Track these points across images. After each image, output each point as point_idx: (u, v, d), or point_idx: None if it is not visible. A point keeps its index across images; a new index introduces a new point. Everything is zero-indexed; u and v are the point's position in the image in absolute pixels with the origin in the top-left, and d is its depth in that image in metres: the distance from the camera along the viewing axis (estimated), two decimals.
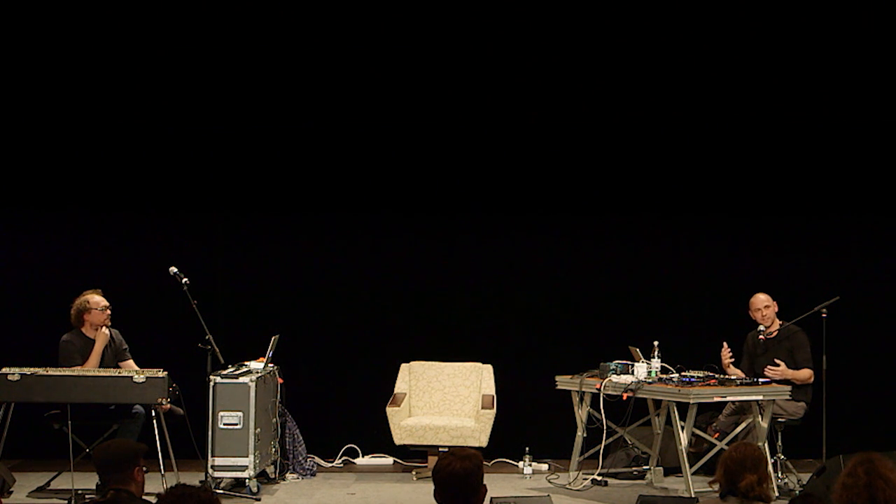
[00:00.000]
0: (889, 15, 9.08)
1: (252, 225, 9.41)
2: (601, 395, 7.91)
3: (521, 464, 8.68)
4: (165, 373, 7.48)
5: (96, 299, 7.86)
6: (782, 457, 7.99)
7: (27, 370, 7.42)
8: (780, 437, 8.05)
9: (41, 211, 9.27)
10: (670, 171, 9.42)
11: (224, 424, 7.64)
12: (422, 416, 8.83)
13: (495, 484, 7.89)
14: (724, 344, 8.22)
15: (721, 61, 9.25)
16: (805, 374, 8.07)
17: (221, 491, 7.67)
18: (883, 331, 9.32)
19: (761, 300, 8.24)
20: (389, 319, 9.39)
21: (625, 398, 7.85)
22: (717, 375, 7.86)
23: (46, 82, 9.10)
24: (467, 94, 9.27)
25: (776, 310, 8.25)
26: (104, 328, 7.84)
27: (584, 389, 8.13)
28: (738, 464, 4.47)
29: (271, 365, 8.21)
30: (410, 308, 9.39)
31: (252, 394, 7.68)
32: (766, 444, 7.66)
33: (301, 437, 8.61)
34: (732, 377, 7.87)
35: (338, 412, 9.25)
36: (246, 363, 8.08)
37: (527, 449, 8.64)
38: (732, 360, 8.23)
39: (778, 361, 8.04)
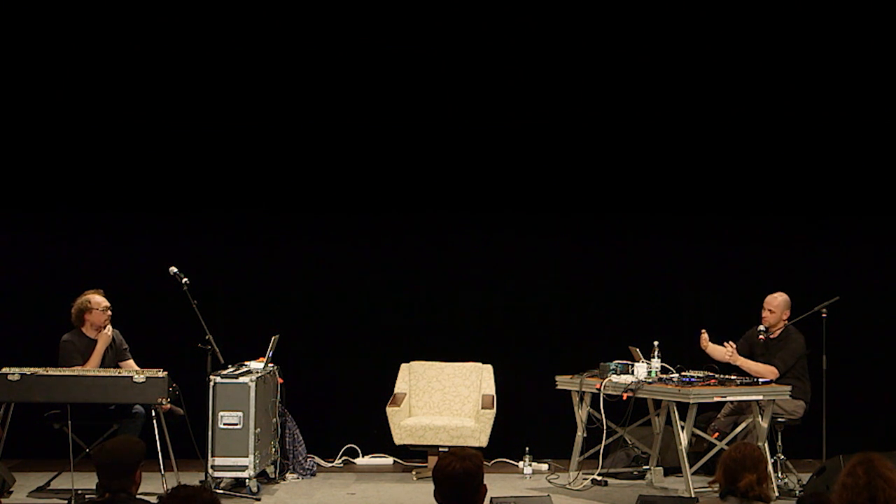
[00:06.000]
0: (890, 15, 9.08)
1: (252, 225, 9.41)
2: (601, 395, 7.91)
3: (521, 464, 8.68)
4: (165, 373, 7.47)
5: (97, 299, 7.85)
6: (782, 457, 7.98)
7: (27, 370, 7.41)
8: (780, 437, 8.04)
9: (41, 211, 9.27)
10: (671, 170, 9.42)
11: (224, 424, 7.64)
12: (422, 416, 8.84)
13: (495, 484, 7.89)
14: (703, 332, 8.16)
15: (723, 61, 9.25)
16: (765, 368, 7.97)
17: (221, 491, 7.67)
18: (883, 331, 9.31)
19: (772, 303, 8.15)
20: (389, 319, 9.39)
21: (625, 398, 7.85)
22: (717, 375, 7.86)
23: (46, 83, 9.10)
24: (469, 93, 9.26)
25: (786, 317, 8.16)
26: (108, 330, 7.84)
27: (584, 389, 8.13)
28: (738, 464, 4.47)
29: (271, 365, 8.21)
30: (410, 308, 9.38)
31: (252, 394, 7.68)
32: (766, 444, 7.66)
33: (301, 437, 8.61)
34: (732, 377, 7.86)
35: (338, 412, 9.25)
36: (246, 363, 8.08)
37: (527, 449, 8.64)
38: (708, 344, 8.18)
39: (730, 344, 8.03)
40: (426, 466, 8.73)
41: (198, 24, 9.05)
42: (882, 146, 9.42)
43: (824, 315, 8.11)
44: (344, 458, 9.17)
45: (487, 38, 9.18)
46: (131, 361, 8.01)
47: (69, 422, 7.45)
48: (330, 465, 9.05)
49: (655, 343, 7.97)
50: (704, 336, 8.13)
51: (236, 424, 7.64)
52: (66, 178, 9.20)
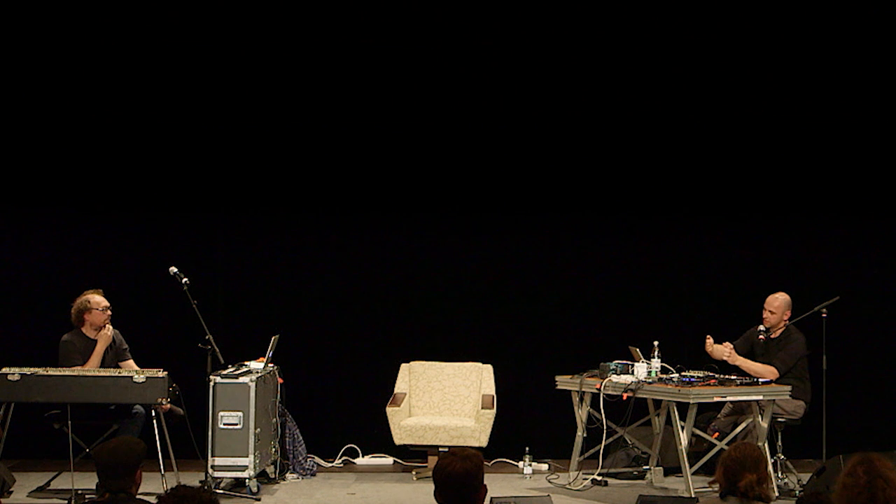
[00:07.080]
0: (890, 15, 9.08)
1: (252, 225, 9.41)
2: (601, 395, 7.91)
3: (521, 464, 8.68)
4: (165, 373, 7.47)
5: (97, 299, 7.85)
6: (782, 457, 7.98)
7: (27, 370, 7.41)
8: (780, 437, 8.04)
9: (41, 210, 9.27)
10: (670, 170, 9.41)
11: (224, 424, 7.64)
12: (422, 416, 8.83)
13: (495, 484, 7.89)
14: (708, 337, 8.15)
15: (724, 60, 9.23)
16: (765, 369, 7.96)
17: (221, 491, 7.67)
18: (883, 331, 9.31)
19: (773, 304, 8.13)
20: (389, 319, 9.39)
21: (625, 398, 7.85)
22: (717, 375, 7.86)
23: (47, 82, 9.10)
24: (470, 93, 9.25)
25: (787, 317, 8.15)
26: (108, 330, 7.84)
27: (584, 389, 8.13)
28: (738, 463, 4.47)
29: (271, 365, 8.21)
30: (410, 308, 9.38)
31: (252, 394, 7.68)
32: (766, 444, 7.66)
33: (301, 437, 8.61)
34: (733, 377, 7.86)
35: (338, 412, 9.25)
36: (246, 363, 8.08)
37: (527, 449, 8.64)
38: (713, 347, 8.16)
39: (727, 345, 8.04)
40: (426, 466, 8.73)
41: (196, 21, 9.04)
42: (882, 146, 9.41)
43: (824, 315, 8.10)
44: (344, 458, 9.17)
45: (487, 38, 9.17)
46: (131, 361, 8.01)
47: (69, 422, 7.45)
48: (330, 465, 9.05)
49: (655, 343, 7.97)
50: (710, 340, 8.11)
51: (236, 424, 7.64)
52: (66, 177, 9.20)
